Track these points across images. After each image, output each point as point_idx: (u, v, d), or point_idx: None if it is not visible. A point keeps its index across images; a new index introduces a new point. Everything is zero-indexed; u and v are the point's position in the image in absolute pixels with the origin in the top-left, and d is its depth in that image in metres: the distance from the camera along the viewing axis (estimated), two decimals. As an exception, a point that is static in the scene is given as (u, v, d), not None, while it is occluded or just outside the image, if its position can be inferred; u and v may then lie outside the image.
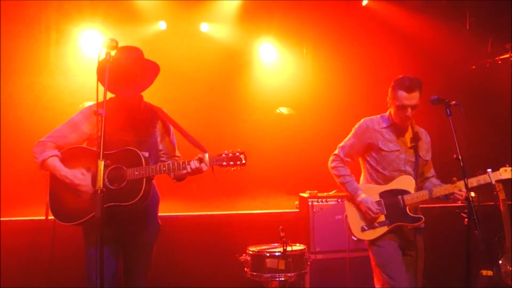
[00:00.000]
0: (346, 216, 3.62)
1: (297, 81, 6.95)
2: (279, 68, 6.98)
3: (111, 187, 2.97)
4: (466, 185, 3.13)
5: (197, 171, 3.03)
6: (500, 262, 4.92)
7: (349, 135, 3.68)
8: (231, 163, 3.01)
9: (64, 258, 4.39)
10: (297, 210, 5.20)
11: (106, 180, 2.95)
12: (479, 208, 3.22)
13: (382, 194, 3.51)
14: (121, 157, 3.01)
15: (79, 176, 3.02)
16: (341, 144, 3.69)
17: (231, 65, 6.71)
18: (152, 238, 3.27)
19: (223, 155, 3.03)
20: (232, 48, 6.65)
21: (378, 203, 3.48)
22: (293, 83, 6.95)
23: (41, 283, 4.34)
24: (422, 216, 3.47)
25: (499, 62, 6.92)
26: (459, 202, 3.42)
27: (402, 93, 3.39)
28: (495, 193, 5.00)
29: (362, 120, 3.68)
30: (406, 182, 3.50)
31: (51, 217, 3.84)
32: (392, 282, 3.39)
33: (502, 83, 6.87)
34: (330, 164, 3.68)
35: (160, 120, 3.29)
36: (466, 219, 3.09)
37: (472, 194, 3.21)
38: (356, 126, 3.68)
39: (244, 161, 3.02)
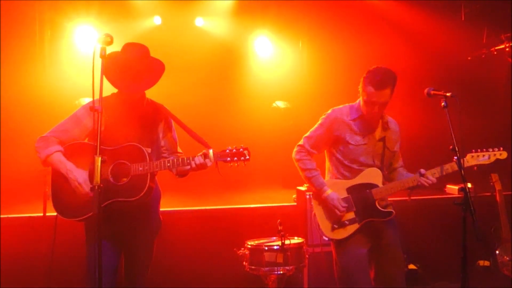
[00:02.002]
0: (315, 214, 3.44)
1: (293, 74, 6.95)
2: (275, 62, 6.98)
3: (114, 182, 2.97)
4: (463, 177, 3.11)
5: (201, 166, 3.03)
6: (497, 252, 4.95)
7: (316, 125, 3.47)
8: (235, 158, 3.02)
9: (64, 254, 4.38)
10: (295, 203, 5.20)
11: (109, 175, 2.96)
12: (475, 199, 3.21)
13: (349, 190, 3.35)
14: (124, 152, 3.00)
15: (84, 176, 2.98)
16: (307, 134, 3.48)
17: (227, 59, 6.71)
18: (153, 234, 3.28)
19: (227, 150, 3.04)
20: (228, 42, 6.65)
21: (346, 199, 3.32)
22: (289, 76, 6.95)
23: (41, 279, 4.34)
24: (392, 211, 3.34)
25: (495, 53, 6.93)
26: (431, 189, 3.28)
27: (370, 89, 3.18)
28: (491, 183, 5.03)
29: (330, 110, 3.48)
30: (373, 175, 3.35)
31: (49, 213, 3.84)
32: None
33: (498, 74, 6.89)
34: (294, 156, 3.47)
35: (163, 116, 3.29)
36: (463, 210, 3.08)
37: (469, 185, 3.20)
38: (323, 116, 3.48)
39: (248, 157, 3.04)
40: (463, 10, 6.88)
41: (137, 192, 2.95)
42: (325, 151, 3.52)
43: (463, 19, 6.88)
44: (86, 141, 3.17)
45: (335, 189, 3.35)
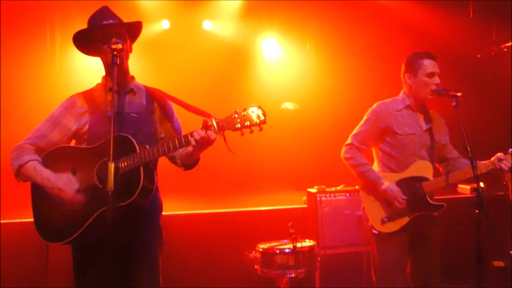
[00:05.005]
0: (364, 208, 3.44)
1: (301, 76, 6.93)
2: (283, 64, 6.97)
3: (102, 187, 2.43)
4: (476, 177, 3.08)
5: (204, 141, 2.40)
6: (511, 252, 4.90)
7: (362, 122, 3.48)
8: (247, 123, 2.37)
9: (65, 258, 4.38)
10: (305, 205, 5.18)
11: (96, 179, 2.48)
12: (488, 198, 3.18)
13: (399, 183, 3.31)
14: (109, 147, 2.36)
15: (64, 179, 2.50)
16: (354, 132, 3.48)
17: (235, 62, 6.70)
18: (158, 255, 2.75)
19: (235, 115, 2.41)
20: (236, 45, 6.64)
21: None
22: (297, 78, 6.93)
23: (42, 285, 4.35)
24: (444, 204, 3.29)
25: (505, 50, 6.86)
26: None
27: (428, 61, 3.30)
28: (504, 183, 4.98)
29: (375, 104, 3.50)
30: (423, 168, 3.32)
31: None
32: None
33: (508, 71, 6.81)
34: (344, 155, 3.44)
35: (157, 103, 2.75)
36: (476, 210, 3.05)
37: (482, 184, 3.17)
38: (368, 111, 3.49)
39: (263, 117, 2.37)
40: (471, 7, 6.82)
41: (130, 193, 2.37)
42: (372, 148, 3.51)
43: (471, 16, 6.82)
44: (72, 144, 2.73)
45: None
